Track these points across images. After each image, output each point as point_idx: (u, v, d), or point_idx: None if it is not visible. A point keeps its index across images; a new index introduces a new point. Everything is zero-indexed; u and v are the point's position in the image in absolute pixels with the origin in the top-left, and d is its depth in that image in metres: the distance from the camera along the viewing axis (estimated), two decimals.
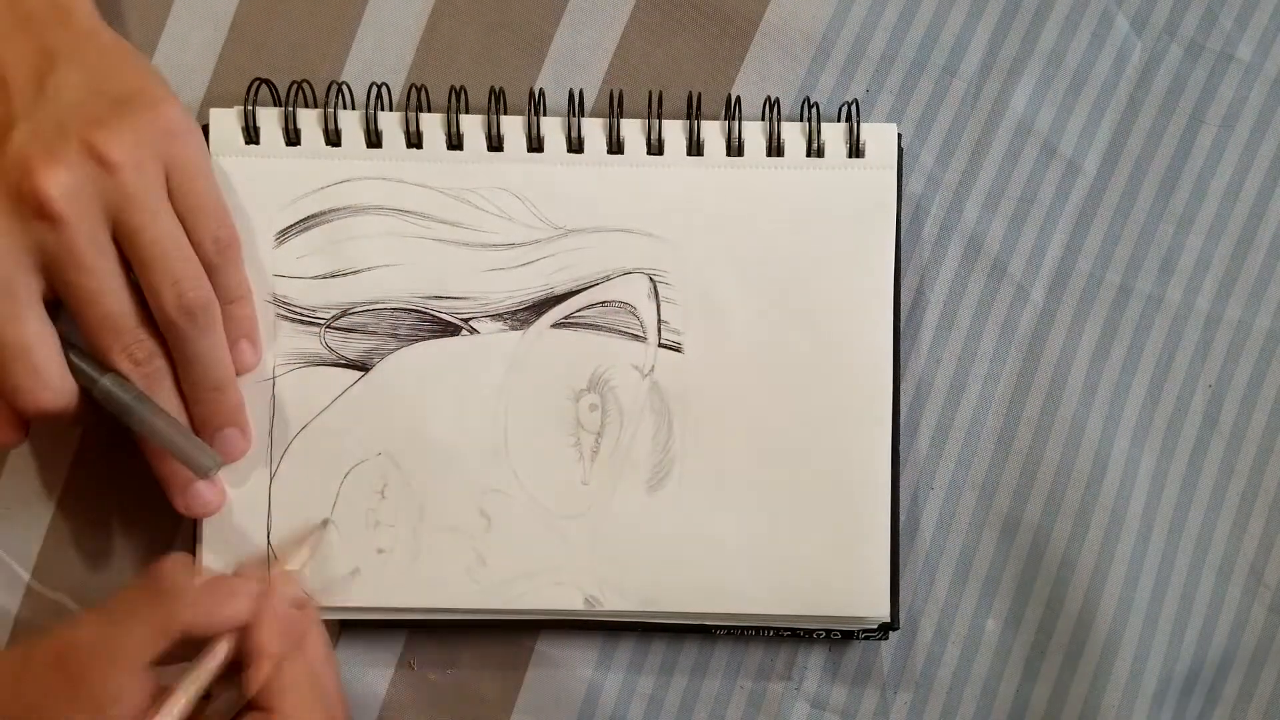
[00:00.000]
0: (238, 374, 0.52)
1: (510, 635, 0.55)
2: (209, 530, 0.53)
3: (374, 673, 0.55)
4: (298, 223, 0.54)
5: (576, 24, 0.56)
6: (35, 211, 0.47)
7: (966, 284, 0.57)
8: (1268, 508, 0.57)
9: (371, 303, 0.54)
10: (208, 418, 0.51)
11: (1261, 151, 0.57)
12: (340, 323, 0.54)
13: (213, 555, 0.53)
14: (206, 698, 0.48)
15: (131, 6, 0.56)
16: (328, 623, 0.53)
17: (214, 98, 0.55)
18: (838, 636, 0.55)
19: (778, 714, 0.56)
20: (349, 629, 0.55)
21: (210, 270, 0.50)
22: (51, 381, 0.48)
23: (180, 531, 0.55)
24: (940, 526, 0.56)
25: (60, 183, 0.47)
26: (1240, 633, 0.56)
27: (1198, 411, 0.57)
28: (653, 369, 0.54)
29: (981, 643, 0.56)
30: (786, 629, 0.55)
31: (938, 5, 0.57)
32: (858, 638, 0.55)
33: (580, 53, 0.56)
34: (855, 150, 0.55)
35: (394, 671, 0.56)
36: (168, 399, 0.50)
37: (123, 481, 0.55)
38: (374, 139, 0.54)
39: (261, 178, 0.54)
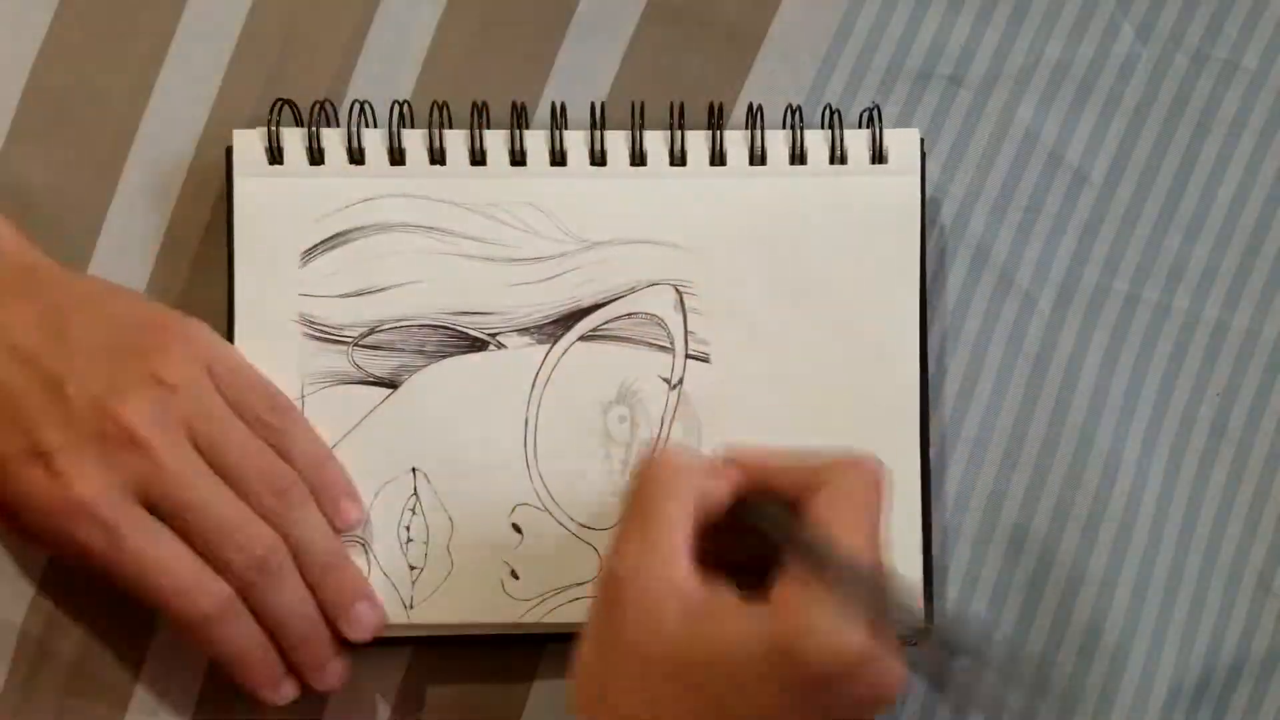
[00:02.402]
0: (339, 531, 0.52)
1: (516, 647, 0.55)
2: None
3: (377, 692, 0.55)
4: (323, 241, 0.54)
5: (581, 38, 0.56)
6: (123, 444, 0.48)
7: (974, 294, 0.57)
8: (1276, 516, 0.57)
9: (399, 320, 0.54)
10: (333, 599, 0.52)
11: (1268, 159, 0.57)
12: (368, 340, 0.54)
13: None
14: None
15: (136, 23, 0.56)
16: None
17: (221, 116, 0.55)
18: None
19: None
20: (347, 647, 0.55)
21: (281, 436, 0.52)
22: (205, 584, 0.50)
23: None
24: (948, 536, 0.56)
25: (139, 410, 0.49)
26: (1249, 642, 0.56)
27: (1206, 420, 0.57)
28: (681, 380, 0.54)
29: (990, 653, 0.56)
30: None
31: (943, 16, 0.57)
32: None
33: (585, 66, 0.56)
34: (878, 156, 0.55)
35: (397, 688, 0.55)
36: (295, 588, 0.51)
37: None
38: (397, 156, 0.54)
39: (286, 198, 0.54)
